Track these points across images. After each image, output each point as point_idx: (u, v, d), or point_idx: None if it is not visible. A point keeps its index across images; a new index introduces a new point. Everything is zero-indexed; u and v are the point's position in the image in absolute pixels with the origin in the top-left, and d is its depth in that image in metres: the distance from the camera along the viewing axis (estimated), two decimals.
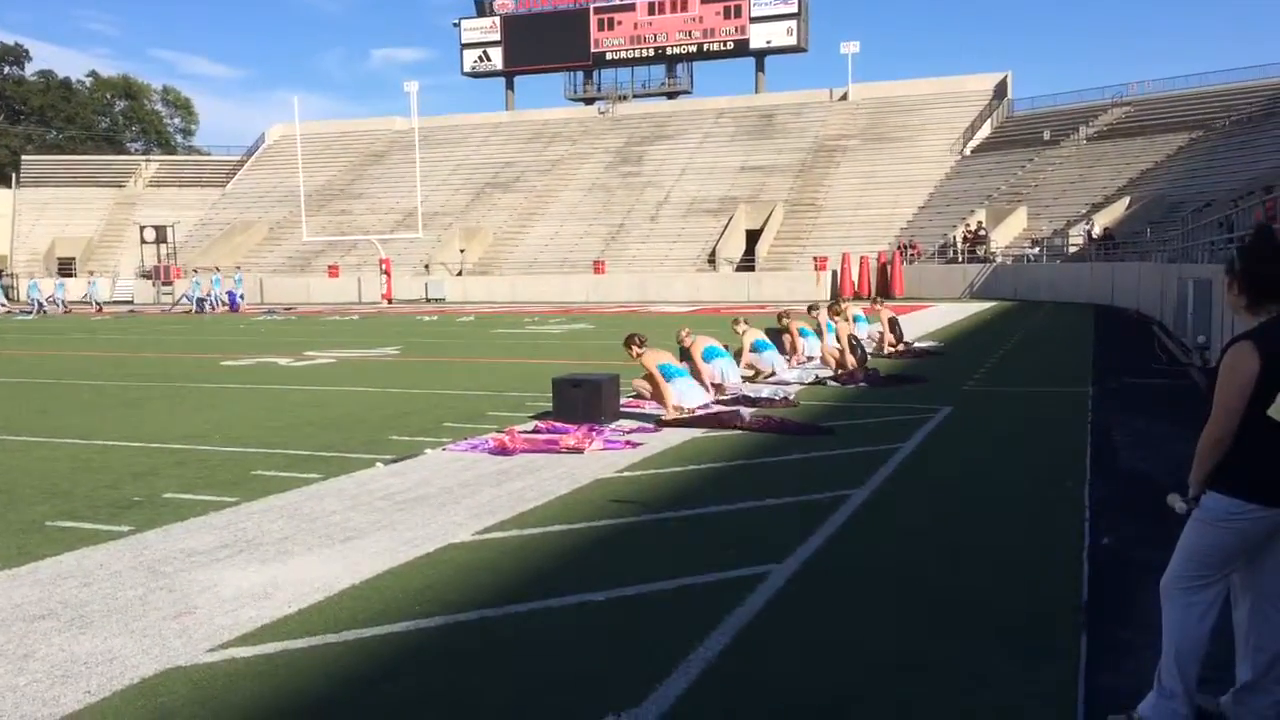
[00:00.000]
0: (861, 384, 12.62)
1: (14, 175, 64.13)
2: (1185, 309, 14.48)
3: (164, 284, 50.32)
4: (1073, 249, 37.86)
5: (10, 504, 6.90)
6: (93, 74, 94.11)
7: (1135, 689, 3.70)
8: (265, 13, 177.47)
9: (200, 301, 40.49)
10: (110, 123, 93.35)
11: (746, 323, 14.05)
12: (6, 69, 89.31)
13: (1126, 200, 40.10)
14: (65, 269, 55.07)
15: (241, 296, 42.23)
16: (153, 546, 5.76)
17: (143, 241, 53.48)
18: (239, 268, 48.16)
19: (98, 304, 44.27)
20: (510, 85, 68.37)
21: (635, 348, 10.38)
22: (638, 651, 4.13)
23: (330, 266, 50.84)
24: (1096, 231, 37.05)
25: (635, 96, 65.78)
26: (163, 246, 53.25)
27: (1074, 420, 9.74)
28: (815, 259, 42.90)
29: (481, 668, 4.00)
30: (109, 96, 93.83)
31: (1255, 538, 3.27)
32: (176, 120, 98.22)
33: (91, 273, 50.61)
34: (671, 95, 65.56)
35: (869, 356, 14.44)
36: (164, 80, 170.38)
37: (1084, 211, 40.87)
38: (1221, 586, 3.38)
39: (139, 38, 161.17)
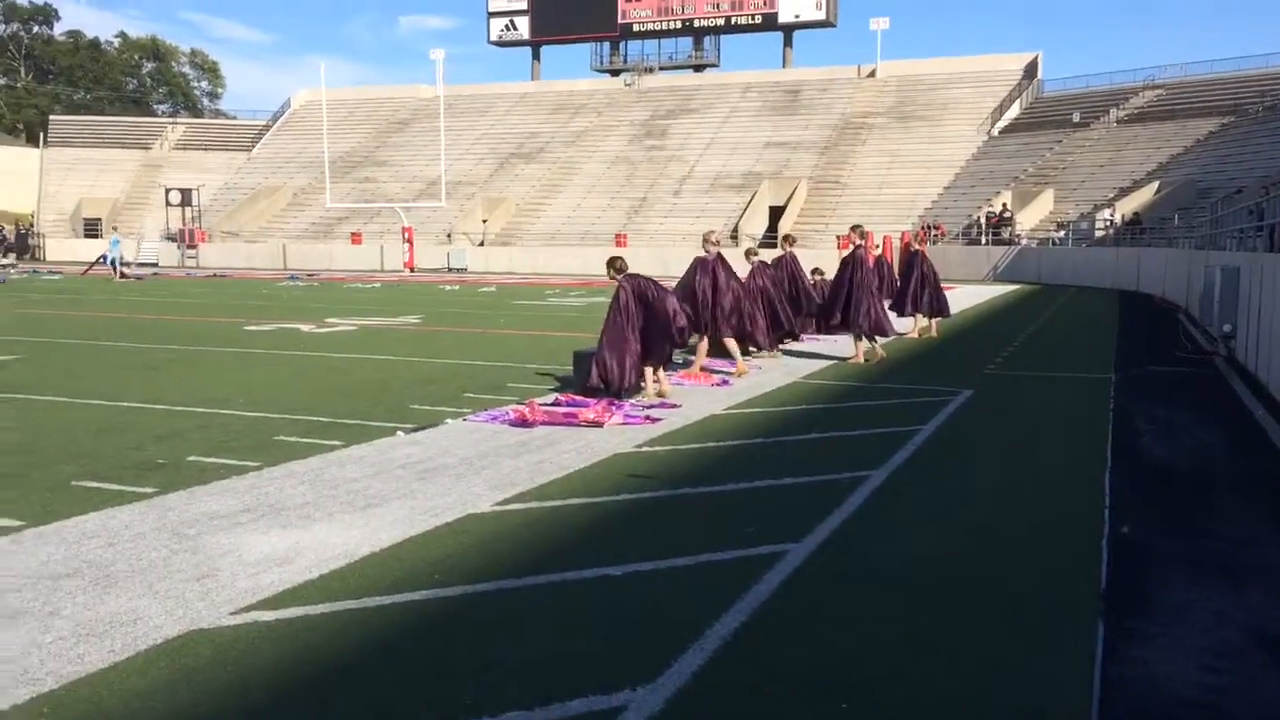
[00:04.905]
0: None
1: (41, 135, 64.46)
2: (1212, 297, 14.29)
3: (188, 247, 50.23)
4: (1099, 233, 37.52)
5: (37, 463, 6.99)
6: (121, 35, 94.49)
7: (1151, 677, 3.71)
8: None
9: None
10: (138, 84, 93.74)
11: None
12: (35, 29, 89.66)
13: (1155, 185, 39.62)
14: (91, 229, 55.32)
15: (120, 259, 37.16)
16: (176, 509, 5.83)
17: (168, 204, 53.70)
18: (114, 228, 47.64)
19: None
20: (536, 55, 68.04)
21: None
22: (655, 627, 4.15)
23: (353, 234, 50.96)
24: (1116, 219, 36.69)
25: (661, 69, 65.24)
26: (188, 210, 53.45)
27: (1096, 407, 9.69)
28: (838, 237, 42.63)
29: (499, 638, 4.04)
30: (137, 58, 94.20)
31: None
32: (203, 83, 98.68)
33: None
34: (698, 68, 64.99)
35: None
36: (193, 43, 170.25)
37: (1111, 196, 40.44)
38: None
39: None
